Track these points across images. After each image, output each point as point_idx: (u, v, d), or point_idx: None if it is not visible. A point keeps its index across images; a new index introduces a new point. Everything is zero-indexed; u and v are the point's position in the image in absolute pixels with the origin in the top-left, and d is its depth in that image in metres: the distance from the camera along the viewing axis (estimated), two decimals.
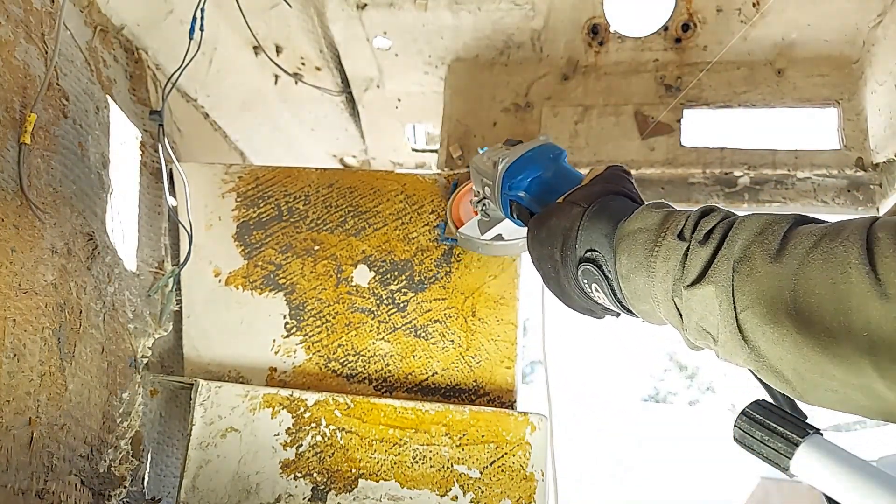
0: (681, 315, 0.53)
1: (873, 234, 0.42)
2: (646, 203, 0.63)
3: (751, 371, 0.49)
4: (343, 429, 0.93)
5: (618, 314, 0.65)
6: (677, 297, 0.53)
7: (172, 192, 1.05)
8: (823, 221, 0.49)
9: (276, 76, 1.47)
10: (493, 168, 0.80)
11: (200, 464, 0.93)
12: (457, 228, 0.95)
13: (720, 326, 0.49)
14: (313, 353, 1.01)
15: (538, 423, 0.91)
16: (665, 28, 1.30)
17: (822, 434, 0.45)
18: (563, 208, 0.66)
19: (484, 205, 0.87)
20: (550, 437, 0.91)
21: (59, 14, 0.86)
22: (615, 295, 0.60)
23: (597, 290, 0.62)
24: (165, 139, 1.02)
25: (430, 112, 1.56)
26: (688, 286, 0.51)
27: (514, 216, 0.80)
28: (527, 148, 0.79)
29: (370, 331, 1.00)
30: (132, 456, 0.97)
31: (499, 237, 0.90)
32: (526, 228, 0.76)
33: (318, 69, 1.46)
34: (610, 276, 0.60)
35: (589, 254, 0.61)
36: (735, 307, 0.47)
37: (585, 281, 0.62)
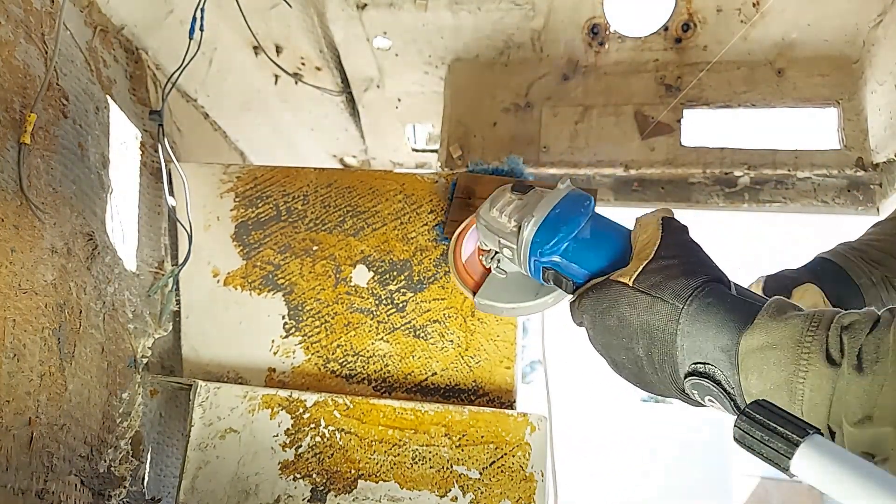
0: (835, 439, 0.49)
1: None
2: (761, 303, 0.55)
3: None
4: (342, 429, 0.93)
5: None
6: (836, 426, 0.48)
7: (172, 192, 1.05)
8: None
9: (276, 76, 1.47)
10: (516, 230, 0.69)
11: (199, 465, 0.93)
12: (472, 293, 0.81)
13: (892, 457, 0.45)
14: (312, 354, 1.01)
15: (538, 423, 0.91)
16: (665, 28, 1.30)
17: (822, 434, 0.45)
18: (637, 298, 0.58)
19: (498, 260, 0.76)
20: (550, 438, 0.91)
21: (59, 14, 0.86)
22: (738, 408, 0.54)
23: (711, 402, 0.56)
24: (165, 139, 1.02)
25: (431, 112, 1.56)
26: (855, 424, 0.46)
27: (550, 282, 0.69)
28: (553, 203, 0.68)
29: (369, 331, 1.00)
30: (132, 456, 0.97)
31: (528, 298, 0.76)
32: (564, 292, 0.68)
33: (319, 69, 1.46)
34: (733, 392, 0.54)
35: (700, 367, 0.55)
36: None
37: (696, 392, 0.56)
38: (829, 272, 0.89)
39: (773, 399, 0.49)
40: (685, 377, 0.56)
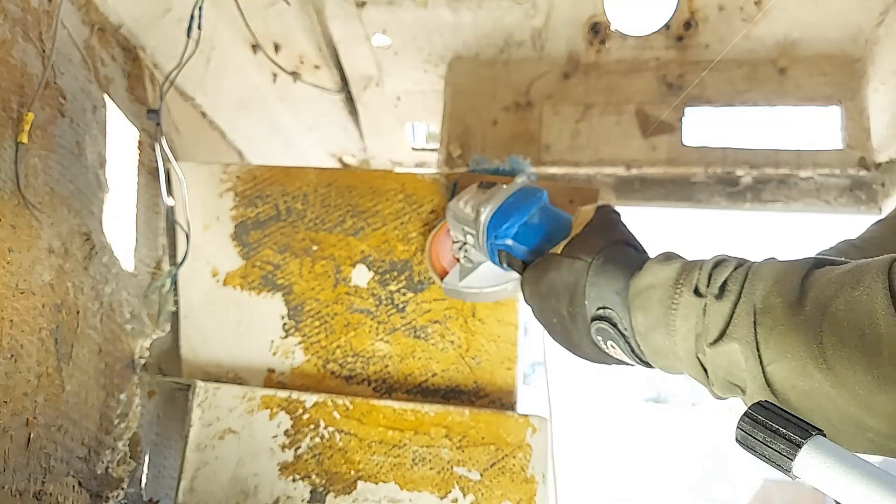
0: (706, 371, 0.53)
1: (894, 278, 0.41)
2: (650, 254, 0.62)
3: None
4: (342, 430, 0.92)
5: (632, 365, 0.65)
6: (701, 354, 0.52)
7: (170, 192, 1.04)
8: (839, 262, 0.47)
9: (275, 75, 1.47)
10: (475, 217, 0.77)
11: (198, 466, 0.92)
12: (440, 278, 0.90)
13: (748, 380, 0.49)
14: (312, 354, 1.01)
15: (538, 424, 0.90)
16: (667, 26, 1.29)
17: (825, 435, 0.44)
18: (562, 261, 0.65)
19: (465, 250, 0.84)
20: (551, 439, 0.91)
21: (56, 12, 0.85)
22: (633, 351, 0.59)
23: (613, 347, 0.61)
24: (163, 138, 1.01)
25: (430, 111, 1.55)
26: (711, 343, 0.50)
27: (504, 265, 0.77)
28: (507, 193, 0.77)
29: (369, 331, 1.00)
30: (130, 457, 0.97)
31: (489, 285, 0.85)
32: (516, 273, 0.75)
33: (317, 67, 1.45)
34: (626, 333, 0.59)
35: (601, 311, 0.60)
36: (761, 361, 0.47)
37: (600, 338, 0.62)
38: None
39: (654, 335, 0.56)
40: (591, 322, 0.62)
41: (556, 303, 0.65)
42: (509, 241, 0.75)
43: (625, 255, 0.62)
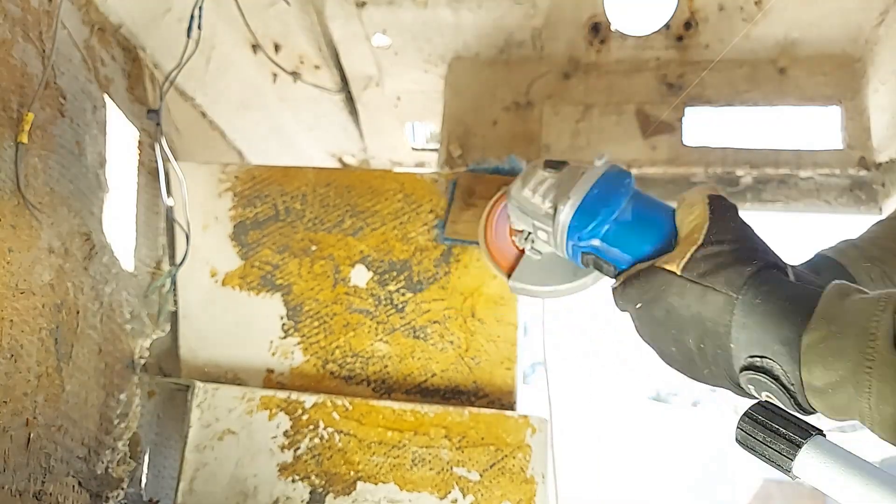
0: None
1: None
2: (822, 288, 0.50)
3: None
4: (341, 431, 0.92)
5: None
6: None
7: (170, 192, 1.04)
8: None
9: (275, 74, 1.47)
10: (552, 212, 0.64)
11: (197, 467, 0.92)
12: (506, 274, 0.77)
13: None
14: (311, 355, 1.01)
15: (538, 425, 0.90)
16: (667, 26, 1.29)
17: (824, 435, 0.44)
18: (687, 288, 0.54)
19: (532, 241, 0.72)
20: (551, 440, 0.91)
21: (56, 13, 0.85)
22: (799, 406, 0.50)
23: (769, 397, 0.52)
24: (163, 138, 1.01)
25: (430, 111, 1.55)
26: None
27: (590, 266, 0.65)
28: (590, 182, 0.63)
29: (368, 332, 1.00)
30: (130, 457, 0.97)
31: (566, 280, 0.73)
32: (603, 275, 0.64)
33: (317, 67, 1.45)
34: (793, 388, 0.49)
35: (757, 361, 0.51)
36: None
37: (752, 387, 0.52)
38: (828, 269, 0.89)
39: (837, 394, 0.46)
40: (741, 371, 0.52)
41: (680, 333, 0.55)
42: (597, 243, 0.63)
43: (783, 289, 0.51)
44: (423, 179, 1.04)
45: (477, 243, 0.98)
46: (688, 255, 0.55)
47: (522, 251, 0.76)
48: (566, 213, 0.63)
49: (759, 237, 0.57)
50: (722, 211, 0.58)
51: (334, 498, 0.90)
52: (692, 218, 0.59)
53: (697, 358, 0.56)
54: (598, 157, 0.66)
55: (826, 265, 0.90)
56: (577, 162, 0.68)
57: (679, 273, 0.54)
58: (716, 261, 0.54)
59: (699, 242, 0.56)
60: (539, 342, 1.16)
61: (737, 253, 0.54)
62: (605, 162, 0.65)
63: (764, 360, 0.50)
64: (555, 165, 0.68)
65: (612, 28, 1.31)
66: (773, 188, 1.26)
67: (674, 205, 0.64)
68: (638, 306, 0.58)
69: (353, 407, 0.93)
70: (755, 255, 0.54)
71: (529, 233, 0.72)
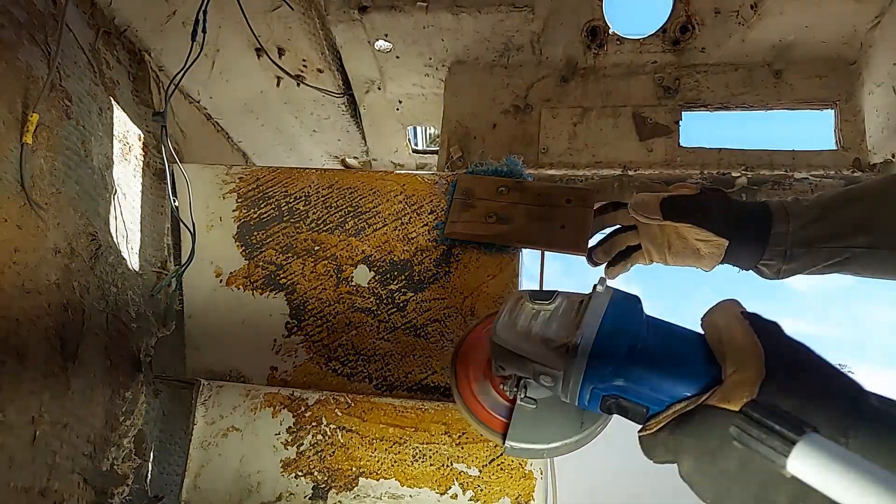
0: None
1: None
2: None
3: None
4: (343, 427, 0.93)
5: None
6: None
7: (175, 193, 1.06)
8: None
9: (279, 78, 1.48)
10: (562, 352, 0.54)
11: (202, 463, 0.94)
12: (501, 435, 0.64)
13: None
14: (314, 353, 1.02)
15: None
16: (663, 30, 1.31)
17: (819, 432, 0.44)
18: (770, 433, 0.44)
19: (525, 387, 0.61)
20: None
21: (62, 16, 0.87)
22: None
23: None
24: (168, 140, 1.03)
25: (431, 114, 1.56)
26: None
27: (611, 412, 0.55)
28: (601, 310, 0.55)
29: (370, 330, 1.01)
30: (135, 454, 0.98)
31: (573, 431, 0.61)
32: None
33: (320, 71, 1.47)
34: None
35: None
36: None
37: None
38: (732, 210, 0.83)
39: None
40: None
41: (763, 490, 0.45)
42: (621, 383, 0.52)
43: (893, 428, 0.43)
44: (424, 181, 1.05)
45: (476, 243, 0.99)
46: (755, 390, 0.46)
47: (511, 401, 0.64)
48: (581, 351, 0.52)
49: (825, 360, 0.49)
50: (768, 331, 0.50)
51: (336, 493, 0.91)
52: (738, 342, 0.50)
53: None
54: (598, 284, 0.58)
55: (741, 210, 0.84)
56: (566, 291, 0.60)
57: (752, 414, 0.45)
58: (798, 396, 0.45)
59: (763, 373, 0.47)
60: None
61: (817, 383, 0.46)
62: (607, 287, 0.58)
63: None
64: (544, 297, 0.60)
65: (611, 31, 1.32)
66: (767, 189, 1.27)
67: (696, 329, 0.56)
68: (697, 459, 0.48)
69: (355, 404, 0.94)
70: (840, 385, 0.46)
71: (521, 378, 0.60)
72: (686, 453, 0.49)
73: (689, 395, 0.51)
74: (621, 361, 0.52)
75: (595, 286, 0.58)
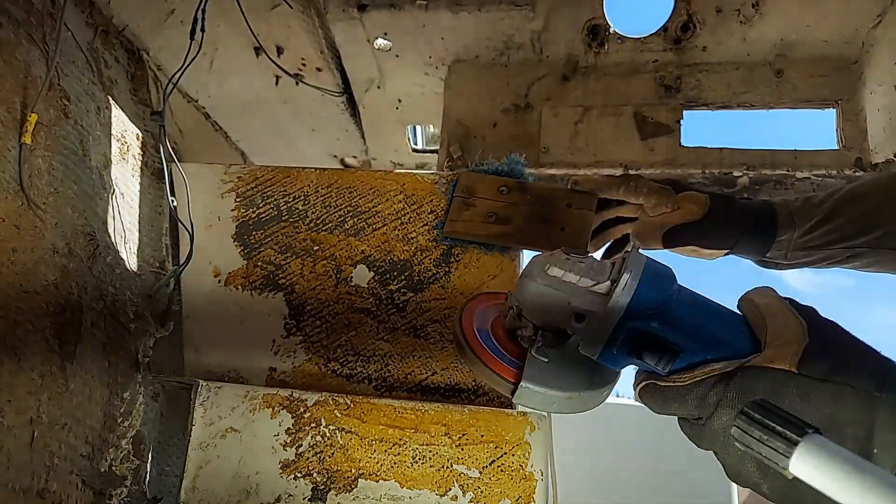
0: None
1: None
2: None
3: None
4: (343, 429, 0.93)
5: None
6: None
7: (173, 193, 1.05)
8: None
9: (277, 77, 1.48)
10: (605, 287, 0.56)
11: (200, 464, 0.93)
12: (512, 384, 0.63)
13: None
14: (313, 354, 1.02)
15: (538, 422, 0.91)
16: (664, 29, 1.30)
17: (821, 433, 0.44)
18: (818, 389, 0.47)
19: (541, 341, 0.61)
20: (550, 437, 0.92)
21: (60, 15, 0.86)
22: None
23: None
24: (167, 139, 1.02)
25: (431, 113, 1.56)
26: None
27: (633, 358, 0.56)
28: (641, 258, 0.57)
29: (369, 331, 1.01)
30: (133, 455, 0.98)
31: (582, 387, 0.62)
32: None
33: (319, 70, 1.46)
34: None
35: None
36: None
37: None
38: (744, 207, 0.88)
39: None
40: None
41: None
42: (658, 324, 0.54)
43: None
44: (424, 180, 1.05)
45: (476, 243, 0.99)
46: (800, 351, 0.49)
47: (521, 356, 0.64)
48: (629, 283, 0.55)
49: (851, 333, 0.52)
50: (805, 310, 0.53)
51: (336, 495, 0.91)
52: (778, 317, 0.53)
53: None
54: (630, 245, 0.62)
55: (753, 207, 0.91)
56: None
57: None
58: (838, 357, 0.49)
59: (807, 338, 0.50)
60: None
61: (853, 348, 0.50)
62: (636, 248, 0.60)
63: None
64: (578, 252, 0.62)
65: (612, 30, 1.32)
66: (769, 188, 1.27)
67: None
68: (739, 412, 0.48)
69: (354, 405, 0.94)
70: (872, 350, 0.50)
71: (539, 328, 0.62)
72: (728, 407, 0.51)
73: (728, 355, 0.53)
74: (668, 296, 0.54)
75: (629, 247, 0.61)
